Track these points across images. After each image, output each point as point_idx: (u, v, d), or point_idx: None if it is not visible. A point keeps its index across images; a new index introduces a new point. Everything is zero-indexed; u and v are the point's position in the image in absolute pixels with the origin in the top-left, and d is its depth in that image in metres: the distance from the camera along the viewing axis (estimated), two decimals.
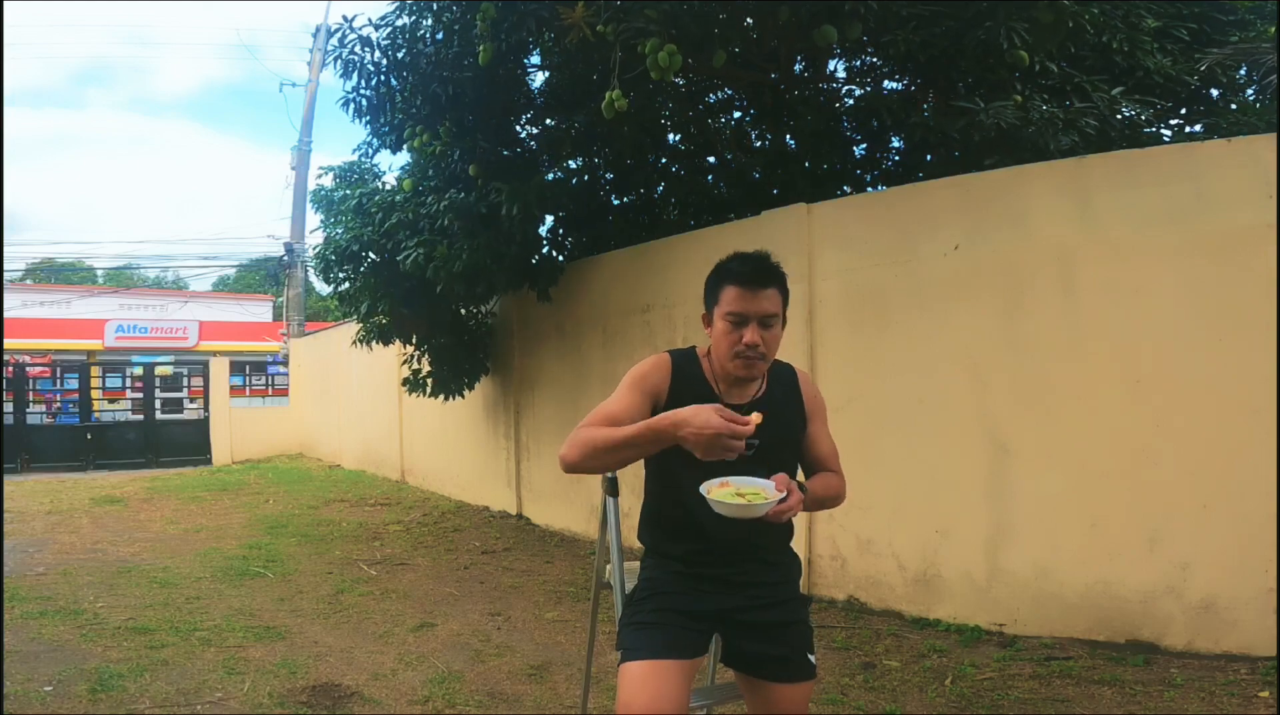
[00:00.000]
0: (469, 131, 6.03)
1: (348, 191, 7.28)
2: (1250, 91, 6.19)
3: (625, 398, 1.88)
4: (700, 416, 1.64)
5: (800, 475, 1.97)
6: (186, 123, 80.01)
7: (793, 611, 1.94)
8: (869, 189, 6.30)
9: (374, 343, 7.61)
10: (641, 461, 1.89)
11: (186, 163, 74.96)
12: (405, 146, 6.37)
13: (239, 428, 13.83)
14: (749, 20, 5.17)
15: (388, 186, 7.28)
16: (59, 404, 16.06)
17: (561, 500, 6.84)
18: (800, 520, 2.19)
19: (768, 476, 1.74)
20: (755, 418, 1.67)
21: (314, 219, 12.23)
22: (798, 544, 3.04)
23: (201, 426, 13.76)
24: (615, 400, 1.87)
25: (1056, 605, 3.81)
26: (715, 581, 1.90)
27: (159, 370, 15.65)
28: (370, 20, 5.73)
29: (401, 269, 6.12)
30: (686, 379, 1.93)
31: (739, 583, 1.90)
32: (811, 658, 1.92)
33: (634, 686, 1.77)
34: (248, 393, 17.66)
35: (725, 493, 1.74)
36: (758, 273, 1.85)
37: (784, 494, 1.70)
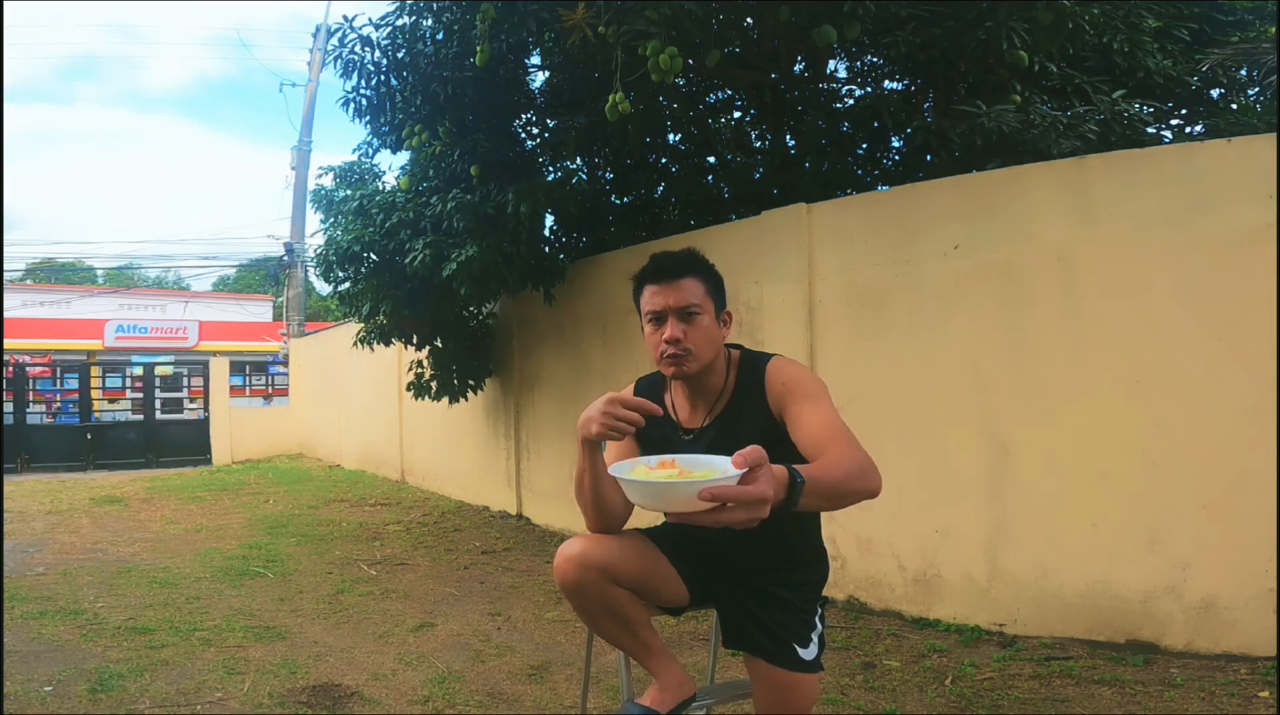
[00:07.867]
0: (469, 132, 6.03)
1: (348, 192, 7.27)
2: (1251, 92, 6.19)
3: (609, 449, 1.89)
4: (588, 408, 1.61)
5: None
6: (179, 119, 80.00)
7: (795, 593, 1.89)
8: (870, 189, 6.30)
9: (375, 343, 7.61)
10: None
11: (182, 161, 74.98)
12: (405, 146, 6.37)
13: (239, 428, 13.83)
14: (749, 20, 5.18)
15: (388, 186, 7.27)
16: (59, 404, 16.09)
17: (561, 500, 6.84)
18: None
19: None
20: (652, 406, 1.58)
21: (314, 219, 12.25)
22: None
23: (201, 426, 13.76)
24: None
25: (1056, 605, 3.81)
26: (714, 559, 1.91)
27: (159, 370, 15.66)
28: (370, 20, 5.73)
29: (408, 271, 6.11)
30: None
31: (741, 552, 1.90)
32: (801, 651, 1.83)
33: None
34: (248, 393, 17.72)
35: (662, 473, 1.33)
36: (672, 262, 1.77)
37: (730, 474, 1.23)
